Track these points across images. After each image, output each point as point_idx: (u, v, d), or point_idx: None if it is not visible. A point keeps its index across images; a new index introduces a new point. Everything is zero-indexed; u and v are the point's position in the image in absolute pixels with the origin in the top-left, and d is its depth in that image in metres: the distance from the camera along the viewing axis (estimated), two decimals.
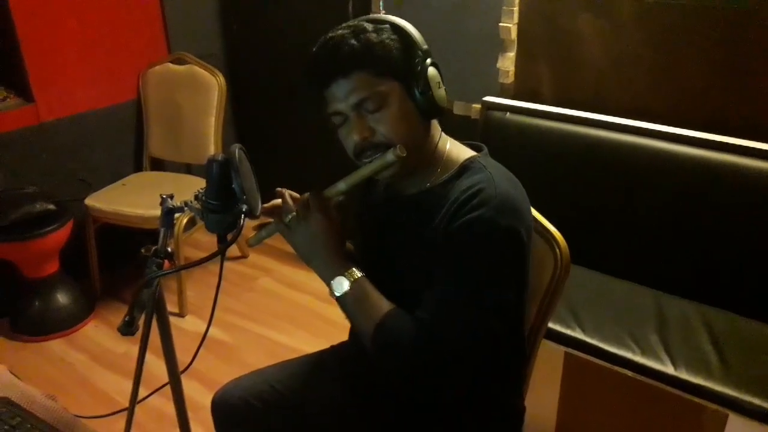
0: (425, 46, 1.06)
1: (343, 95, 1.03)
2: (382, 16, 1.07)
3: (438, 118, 1.10)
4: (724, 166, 1.76)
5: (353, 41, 1.01)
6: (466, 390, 1.12)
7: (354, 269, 1.04)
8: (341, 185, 1.06)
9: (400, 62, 1.03)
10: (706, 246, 1.81)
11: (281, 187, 1.10)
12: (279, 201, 1.10)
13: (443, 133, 1.14)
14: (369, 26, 1.03)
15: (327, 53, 1.03)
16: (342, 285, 1.03)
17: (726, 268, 1.79)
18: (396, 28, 1.04)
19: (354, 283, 1.03)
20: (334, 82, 1.03)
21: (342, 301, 1.04)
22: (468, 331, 0.97)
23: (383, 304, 1.02)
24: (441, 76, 1.06)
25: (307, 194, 1.07)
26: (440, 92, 1.05)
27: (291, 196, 1.09)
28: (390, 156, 1.01)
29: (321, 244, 1.05)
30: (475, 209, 0.98)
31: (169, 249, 1.10)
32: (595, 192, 1.97)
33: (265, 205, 1.09)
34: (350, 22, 1.06)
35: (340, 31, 1.04)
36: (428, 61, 1.05)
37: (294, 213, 1.05)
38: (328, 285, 1.05)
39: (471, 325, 0.97)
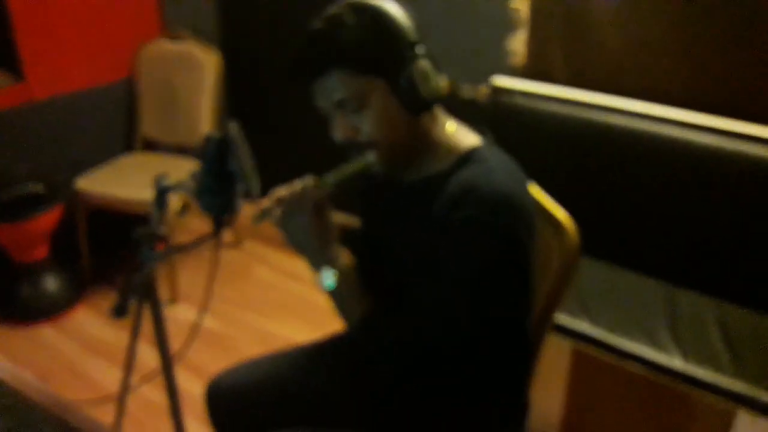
0: (414, 37, 0.99)
1: (324, 94, 1.01)
2: (368, 2, 0.99)
3: (426, 111, 1.04)
4: (742, 156, 1.70)
5: (332, 38, 0.98)
6: (448, 388, 1.10)
7: (342, 260, 1.05)
8: (330, 178, 1.05)
9: (381, 58, 0.98)
10: (721, 239, 1.77)
11: (276, 168, 1.09)
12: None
13: (446, 118, 1.10)
14: (350, 19, 0.98)
15: (306, 52, 1.01)
16: (329, 276, 1.04)
17: (741, 262, 1.75)
18: (380, 18, 0.98)
19: (341, 274, 1.04)
20: (315, 80, 1.01)
21: (329, 292, 1.05)
22: (447, 333, 0.98)
23: (368, 298, 1.05)
24: (436, 65, 1.00)
25: (297, 184, 1.05)
26: (430, 85, 0.99)
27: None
28: (370, 157, 1.02)
29: (310, 235, 1.04)
30: (470, 206, 0.97)
31: (162, 232, 1.07)
32: (607, 181, 1.92)
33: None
34: (332, 11, 1.00)
35: (319, 26, 1.00)
36: (417, 52, 0.99)
37: (284, 204, 1.05)
38: (316, 275, 1.05)
39: (451, 326, 0.98)
